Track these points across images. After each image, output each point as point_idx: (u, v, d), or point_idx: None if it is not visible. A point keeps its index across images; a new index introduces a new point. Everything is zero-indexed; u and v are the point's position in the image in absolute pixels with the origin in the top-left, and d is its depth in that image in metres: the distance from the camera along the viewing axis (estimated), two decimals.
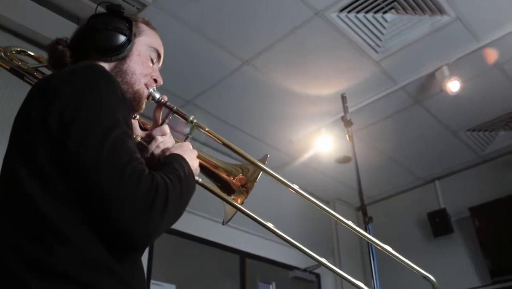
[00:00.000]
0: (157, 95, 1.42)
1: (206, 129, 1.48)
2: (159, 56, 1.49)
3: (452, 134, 4.72)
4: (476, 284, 4.85)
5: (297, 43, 3.56)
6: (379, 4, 3.31)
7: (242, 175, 1.54)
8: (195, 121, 1.46)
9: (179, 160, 1.25)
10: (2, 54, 1.52)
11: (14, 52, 1.54)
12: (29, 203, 1.03)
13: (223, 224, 1.52)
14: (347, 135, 2.92)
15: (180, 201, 1.13)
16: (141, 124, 1.47)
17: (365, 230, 2.60)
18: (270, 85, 3.96)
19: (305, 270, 5.24)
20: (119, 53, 1.34)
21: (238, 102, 4.18)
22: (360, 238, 5.85)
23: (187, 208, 1.20)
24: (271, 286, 4.97)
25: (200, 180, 1.40)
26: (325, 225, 5.75)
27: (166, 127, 1.40)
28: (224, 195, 1.45)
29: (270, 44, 3.57)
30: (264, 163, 1.56)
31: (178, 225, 1.58)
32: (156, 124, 1.42)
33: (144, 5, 3.16)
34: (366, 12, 3.35)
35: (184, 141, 1.43)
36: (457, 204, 5.17)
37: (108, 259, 1.03)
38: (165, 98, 1.44)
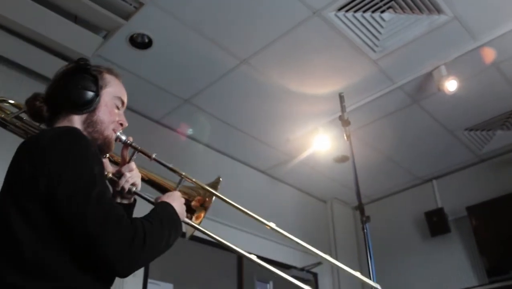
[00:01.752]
0: (123, 137, 1.63)
1: (170, 165, 1.71)
2: (123, 102, 1.66)
3: (450, 133, 4.72)
4: (473, 284, 4.85)
5: (294, 42, 3.56)
6: (376, 4, 3.30)
7: (199, 196, 1.75)
8: (157, 158, 1.68)
9: (165, 206, 1.50)
10: None
11: None
12: (17, 245, 1.24)
13: (185, 238, 1.76)
14: (344, 135, 2.92)
15: (160, 237, 1.35)
16: (110, 158, 1.68)
17: (363, 229, 2.61)
18: (268, 84, 3.96)
19: (302, 269, 5.23)
20: (89, 107, 1.53)
21: (235, 101, 4.18)
22: (358, 238, 5.87)
23: None
24: (268, 285, 4.97)
25: (187, 220, 1.63)
26: (322, 224, 5.76)
27: (132, 164, 1.63)
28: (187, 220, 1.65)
29: (267, 43, 3.56)
30: (216, 187, 1.77)
31: None
32: (124, 162, 1.64)
33: (141, 4, 3.16)
34: (364, 11, 3.35)
35: (175, 190, 1.68)
36: (455, 203, 5.17)
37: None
38: (131, 139, 1.64)
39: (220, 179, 1.80)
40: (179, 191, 1.67)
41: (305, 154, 4.88)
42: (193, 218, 1.72)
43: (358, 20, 3.41)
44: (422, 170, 5.40)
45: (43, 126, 1.63)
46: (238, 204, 1.85)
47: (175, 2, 3.19)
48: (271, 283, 4.94)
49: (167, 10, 3.23)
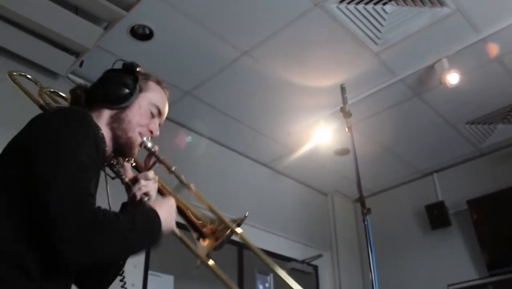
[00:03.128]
0: (149, 144, 1.61)
1: (188, 182, 1.66)
2: (159, 112, 1.65)
3: (451, 126, 4.72)
4: (473, 277, 4.86)
5: (296, 34, 3.54)
6: None
7: (212, 225, 1.69)
8: (176, 171, 1.65)
9: (147, 210, 1.44)
10: (38, 91, 1.79)
11: (48, 92, 1.80)
12: None
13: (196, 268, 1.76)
14: (346, 127, 2.91)
15: (123, 237, 1.27)
16: (138, 166, 1.67)
17: (363, 221, 2.60)
18: (269, 76, 3.95)
19: (303, 262, 5.25)
20: (120, 102, 1.54)
21: (237, 93, 4.17)
22: (358, 230, 5.88)
23: None
24: (268, 277, 4.98)
25: (179, 234, 1.60)
26: (323, 218, 5.76)
27: (150, 173, 1.59)
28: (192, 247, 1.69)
29: (269, 35, 3.55)
30: (237, 224, 1.72)
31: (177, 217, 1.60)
32: (145, 169, 1.63)
33: None
34: (366, 3, 3.34)
35: (170, 195, 1.63)
36: (455, 197, 5.17)
37: (29, 258, 1.21)
38: (156, 148, 1.62)
39: (246, 215, 1.74)
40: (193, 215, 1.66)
41: (306, 147, 4.87)
42: (200, 240, 1.71)
43: (360, 12, 3.39)
44: (423, 163, 5.39)
45: None
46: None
47: None
48: (271, 275, 4.96)
49: (168, 1, 3.21)
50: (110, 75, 1.60)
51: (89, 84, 1.65)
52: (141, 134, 1.58)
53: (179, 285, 4.06)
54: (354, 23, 3.47)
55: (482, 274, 4.81)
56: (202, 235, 1.70)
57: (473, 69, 3.94)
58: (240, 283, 4.64)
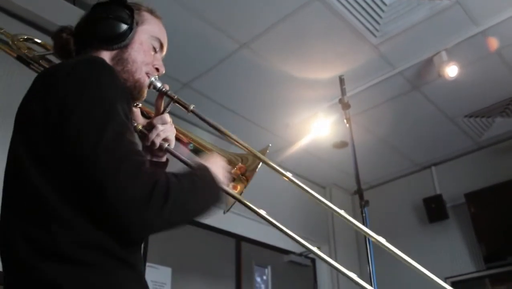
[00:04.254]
0: (159, 84, 1.43)
1: (206, 119, 1.49)
2: (161, 45, 1.47)
3: (449, 120, 4.71)
4: (471, 270, 4.88)
5: (295, 26, 3.53)
6: None
7: (242, 164, 1.53)
8: (195, 110, 1.47)
9: (202, 168, 1.25)
10: (10, 42, 1.58)
11: (21, 39, 1.59)
12: (33, 191, 1.07)
13: (224, 213, 1.52)
14: (344, 119, 2.90)
15: (188, 200, 1.11)
16: (144, 112, 1.49)
17: (361, 213, 2.61)
18: (267, 69, 3.93)
19: (300, 255, 5.26)
20: (120, 41, 1.35)
21: (235, 86, 4.15)
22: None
23: None
24: (266, 270, 4.99)
25: (233, 193, 1.42)
26: (321, 212, 5.76)
27: (166, 116, 1.41)
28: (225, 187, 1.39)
29: (268, 27, 3.54)
30: (264, 154, 1.55)
31: None
32: (158, 113, 1.43)
33: None
34: None
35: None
36: (453, 190, 5.18)
37: (109, 243, 1.05)
38: (167, 87, 1.45)
39: (269, 146, 1.59)
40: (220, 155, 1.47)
41: (304, 140, 4.87)
42: (230, 186, 1.48)
43: (359, 4, 3.38)
44: (421, 156, 5.39)
45: None
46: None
47: None
48: (269, 267, 4.97)
49: None
50: (100, 10, 1.38)
51: (73, 26, 1.43)
52: (148, 74, 1.40)
53: (177, 277, 4.07)
54: (353, 15, 3.45)
55: (479, 267, 4.82)
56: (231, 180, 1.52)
57: (472, 62, 3.93)
58: (238, 276, 4.65)
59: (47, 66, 1.50)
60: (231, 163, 1.50)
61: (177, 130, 1.47)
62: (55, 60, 1.48)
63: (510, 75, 4.13)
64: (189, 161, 1.37)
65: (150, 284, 3.79)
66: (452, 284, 4.93)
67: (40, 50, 1.56)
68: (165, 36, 1.49)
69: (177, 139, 1.49)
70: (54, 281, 0.99)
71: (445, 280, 4.97)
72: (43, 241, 1.03)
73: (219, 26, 3.50)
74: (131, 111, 1.24)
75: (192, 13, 3.37)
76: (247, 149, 1.52)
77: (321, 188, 5.96)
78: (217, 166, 1.32)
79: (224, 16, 3.44)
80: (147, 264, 3.82)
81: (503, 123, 4.81)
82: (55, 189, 1.06)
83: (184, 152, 1.49)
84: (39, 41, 1.61)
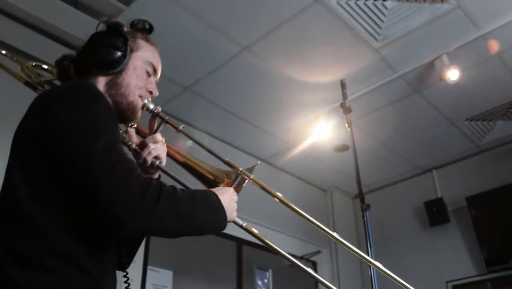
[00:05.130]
0: (151, 106, 1.53)
1: (194, 138, 1.60)
2: (155, 70, 1.59)
3: (451, 123, 4.71)
4: (472, 273, 4.87)
5: (296, 30, 3.54)
6: None
7: (228, 180, 1.59)
8: (183, 130, 1.58)
9: (207, 191, 1.37)
10: (20, 68, 1.71)
11: (30, 66, 1.72)
12: (16, 204, 1.19)
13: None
14: (345, 122, 2.91)
15: (181, 209, 1.21)
16: (141, 132, 1.59)
17: (363, 217, 2.61)
18: (269, 72, 3.94)
19: (301, 258, 5.25)
20: (115, 67, 1.46)
21: (237, 89, 4.16)
22: (357, 227, 5.88)
23: None
24: (267, 273, 4.99)
25: (244, 224, 1.55)
26: (321, 214, 5.76)
27: (158, 135, 1.52)
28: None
29: (269, 30, 3.54)
30: (251, 172, 1.63)
31: None
32: (151, 132, 1.55)
33: None
34: None
35: (231, 186, 1.54)
36: (454, 193, 5.18)
37: (81, 255, 1.18)
38: (159, 109, 1.55)
39: (258, 162, 1.68)
40: (207, 169, 1.57)
41: (305, 143, 4.87)
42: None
43: (360, 8, 3.38)
44: (422, 159, 5.39)
45: None
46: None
47: None
48: (270, 271, 4.97)
49: None
50: (97, 39, 1.50)
51: (75, 53, 1.57)
52: (141, 97, 1.51)
53: (178, 280, 4.07)
54: (355, 18, 3.46)
55: (480, 271, 4.81)
56: None
57: (473, 65, 3.93)
58: (239, 279, 4.65)
59: None
60: (217, 178, 1.59)
61: (168, 148, 1.56)
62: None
63: (511, 79, 4.13)
64: (179, 178, 1.49)
65: (151, 287, 3.80)
66: (453, 288, 4.94)
67: (47, 75, 1.71)
68: (159, 61, 1.61)
69: (170, 156, 1.58)
70: (17, 283, 1.11)
71: (446, 283, 4.97)
72: (20, 250, 1.15)
73: (220, 29, 3.51)
74: (117, 126, 1.34)
75: (194, 17, 3.38)
76: (234, 168, 1.60)
77: (322, 191, 5.96)
78: (226, 197, 1.40)
79: (226, 19, 3.44)
80: (148, 267, 3.82)
81: (504, 126, 4.81)
82: (39, 205, 1.18)
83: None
84: (45, 67, 1.73)
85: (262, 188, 1.64)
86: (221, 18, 3.43)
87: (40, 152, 1.21)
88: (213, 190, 1.40)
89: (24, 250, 1.14)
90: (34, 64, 1.74)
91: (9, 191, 1.23)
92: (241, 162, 5.25)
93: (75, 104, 1.24)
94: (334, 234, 1.70)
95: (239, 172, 1.58)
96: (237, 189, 1.56)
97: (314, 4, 3.32)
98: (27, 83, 1.66)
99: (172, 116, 4.43)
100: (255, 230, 1.56)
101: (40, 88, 1.66)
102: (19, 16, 3.18)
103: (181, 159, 1.62)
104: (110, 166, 1.13)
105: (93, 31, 1.54)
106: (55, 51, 3.41)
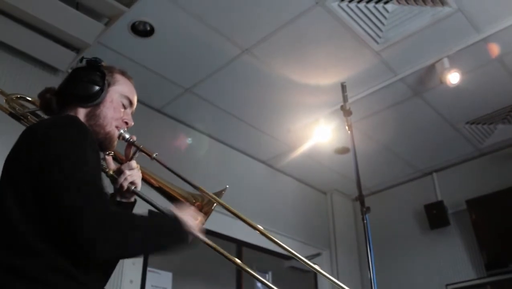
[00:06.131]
0: (127, 136, 1.65)
1: (168, 166, 1.69)
2: (130, 102, 1.70)
3: (451, 126, 4.71)
4: (472, 277, 4.86)
5: (297, 32, 3.54)
6: None
7: (198, 202, 1.72)
8: (157, 157, 1.68)
9: (169, 215, 1.48)
10: (4, 100, 1.82)
11: (14, 98, 1.83)
12: (9, 224, 1.29)
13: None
14: (346, 125, 2.91)
15: (143, 229, 1.34)
16: (118, 158, 1.71)
17: (363, 220, 2.60)
18: (270, 74, 3.94)
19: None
20: (93, 100, 1.58)
21: (237, 91, 4.16)
22: (358, 230, 5.88)
23: None
24: (267, 275, 4.99)
25: (206, 240, 1.64)
26: (322, 217, 5.76)
27: (133, 162, 1.65)
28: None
29: (270, 33, 3.55)
30: (220, 196, 1.74)
31: None
32: (127, 160, 1.67)
33: None
34: (367, 1, 3.33)
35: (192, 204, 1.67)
36: (454, 196, 5.17)
37: (69, 266, 1.27)
38: (134, 138, 1.66)
39: (227, 187, 1.78)
40: (180, 194, 1.69)
41: (306, 145, 4.87)
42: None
43: (361, 11, 3.39)
44: (423, 162, 5.39)
45: None
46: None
47: None
48: (270, 273, 4.96)
49: None
50: (77, 74, 1.63)
51: (56, 87, 1.68)
52: (117, 127, 1.63)
53: (178, 281, 4.07)
54: (355, 21, 3.46)
55: (480, 274, 4.81)
56: None
57: (473, 69, 3.93)
58: (239, 281, 4.65)
59: (34, 120, 1.75)
60: (188, 200, 1.71)
61: (143, 173, 1.68)
62: (43, 115, 1.73)
63: (511, 82, 4.13)
64: (153, 201, 1.60)
65: None
66: None
67: (31, 106, 1.82)
68: (134, 94, 1.72)
69: (145, 181, 1.70)
70: None
71: (446, 287, 4.96)
72: (15, 265, 1.24)
73: (221, 31, 3.51)
74: (98, 158, 1.47)
75: (194, 19, 3.38)
76: (204, 192, 1.72)
77: (322, 193, 5.96)
78: (186, 214, 1.51)
79: (227, 21, 3.45)
80: (148, 268, 3.82)
81: (504, 130, 4.81)
82: (28, 223, 1.28)
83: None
84: (29, 98, 1.85)
85: (228, 210, 1.78)
86: (222, 20, 3.43)
87: (30, 178, 1.30)
88: (176, 210, 1.51)
89: (21, 267, 1.24)
90: (18, 96, 1.85)
91: (2, 215, 1.32)
92: (241, 164, 5.29)
93: (61, 137, 1.36)
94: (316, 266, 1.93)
95: (208, 196, 1.71)
96: (208, 210, 1.70)
97: (315, 6, 3.32)
98: (11, 114, 1.77)
99: (173, 118, 4.44)
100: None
101: (23, 119, 1.76)
102: (19, 17, 3.18)
103: (155, 184, 1.73)
104: (85, 198, 1.24)
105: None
106: (55, 53, 3.43)
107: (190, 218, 1.54)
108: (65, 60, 3.50)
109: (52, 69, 3.58)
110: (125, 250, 1.34)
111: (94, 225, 1.21)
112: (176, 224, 1.45)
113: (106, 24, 3.36)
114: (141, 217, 1.37)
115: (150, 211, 1.61)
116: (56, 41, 3.38)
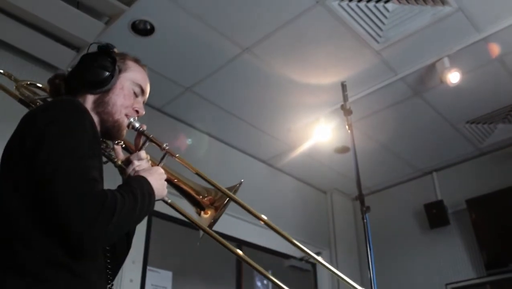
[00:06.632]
0: (137, 124, 1.59)
1: (177, 155, 1.66)
2: (142, 90, 1.64)
3: (451, 126, 4.71)
4: (471, 276, 4.87)
5: (297, 31, 3.54)
6: None
7: (210, 196, 1.71)
8: (167, 148, 1.63)
9: (140, 180, 1.43)
10: (14, 87, 1.79)
11: (24, 84, 1.80)
12: (6, 214, 1.26)
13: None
14: (346, 124, 2.91)
15: (131, 213, 1.29)
16: (127, 147, 1.66)
17: (363, 219, 2.61)
18: (270, 73, 3.94)
19: (301, 259, 5.25)
20: (102, 86, 1.53)
21: (237, 90, 4.16)
22: (357, 229, 5.88)
23: None
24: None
25: (169, 200, 1.58)
26: (321, 216, 5.76)
27: (142, 153, 1.57)
28: (193, 218, 1.65)
29: (270, 32, 3.55)
30: (234, 190, 1.73)
31: (175, 212, 1.62)
32: (136, 150, 1.61)
33: None
34: (368, 1, 3.33)
35: (158, 165, 1.61)
36: (454, 196, 5.17)
37: (65, 258, 1.23)
38: (144, 128, 1.61)
39: (242, 181, 1.77)
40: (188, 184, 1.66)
41: (306, 145, 4.87)
42: (202, 213, 1.71)
43: (362, 10, 3.39)
44: (423, 162, 5.39)
45: None
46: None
47: None
48: (269, 272, 4.95)
49: None
50: (87, 59, 1.58)
51: (66, 72, 1.64)
52: (127, 115, 1.57)
53: (178, 281, 4.07)
54: (356, 21, 3.46)
55: (480, 274, 4.81)
56: (201, 208, 1.72)
57: (474, 68, 3.94)
58: (239, 280, 4.65)
59: None
60: (199, 194, 1.71)
61: (154, 165, 1.61)
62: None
63: (511, 82, 4.14)
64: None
65: (150, 288, 3.80)
66: None
67: (41, 93, 1.80)
68: (147, 82, 1.66)
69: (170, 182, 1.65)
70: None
71: (446, 286, 4.97)
72: (9, 259, 1.21)
73: (221, 31, 3.51)
74: (96, 142, 1.40)
75: (195, 18, 3.38)
76: (217, 187, 1.70)
77: (322, 192, 5.96)
78: (155, 178, 1.48)
79: (227, 21, 3.45)
80: (148, 267, 3.82)
81: (504, 129, 4.81)
82: (24, 214, 1.24)
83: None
84: (39, 85, 1.81)
85: (247, 210, 1.79)
86: (222, 19, 3.43)
87: (25, 164, 1.27)
88: (143, 173, 1.47)
89: (19, 261, 1.21)
90: (28, 82, 1.82)
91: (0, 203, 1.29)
92: (241, 163, 5.29)
93: (58, 119, 1.32)
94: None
95: (223, 191, 1.68)
96: (220, 204, 1.69)
97: (315, 6, 3.32)
98: (21, 101, 1.74)
99: (173, 117, 4.44)
100: (180, 207, 1.62)
101: (33, 105, 1.72)
102: (20, 16, 3.18)
103: (166, 175, 1.66)
104: (73, 185, 1.20)
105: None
106: (56, 51, 3.43)
107: (160, 181, 1.51)
108: (66, 59, 3.50)
109: (53, 68, 3.58)
110: (111, 238, 1.30)
111: (78, 218, 1.17)
112: (151, 199, 1.42)
113: (107, 23, 3.36)
114: (126, 197, 1.30)
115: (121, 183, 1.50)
116: (56, 40, 3.39)
